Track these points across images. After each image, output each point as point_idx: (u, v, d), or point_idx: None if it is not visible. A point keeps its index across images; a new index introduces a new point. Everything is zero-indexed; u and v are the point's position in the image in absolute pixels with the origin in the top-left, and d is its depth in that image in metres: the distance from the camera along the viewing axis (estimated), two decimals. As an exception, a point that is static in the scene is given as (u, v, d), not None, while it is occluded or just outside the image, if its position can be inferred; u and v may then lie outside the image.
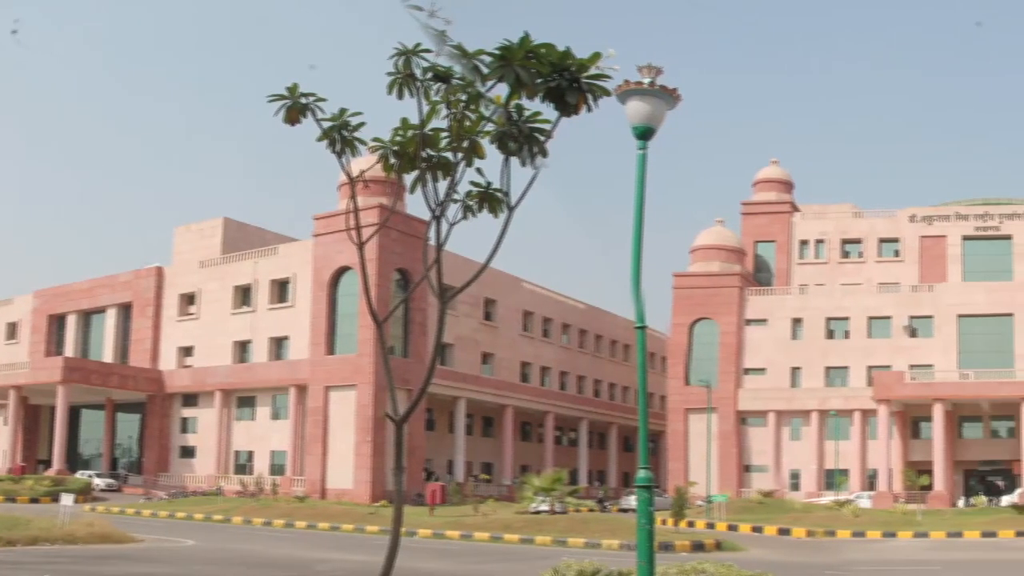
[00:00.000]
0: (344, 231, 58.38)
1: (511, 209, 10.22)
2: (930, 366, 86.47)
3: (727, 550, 40.36)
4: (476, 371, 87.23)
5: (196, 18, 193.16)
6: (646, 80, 13.07)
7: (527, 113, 9.85)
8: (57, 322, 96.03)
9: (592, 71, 9.70)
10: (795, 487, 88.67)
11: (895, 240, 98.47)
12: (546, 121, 9.89)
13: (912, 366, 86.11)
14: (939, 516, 61.30)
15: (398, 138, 10.14)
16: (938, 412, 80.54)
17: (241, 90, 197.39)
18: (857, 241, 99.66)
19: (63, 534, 34.32)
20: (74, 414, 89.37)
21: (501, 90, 9.71)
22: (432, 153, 10.17)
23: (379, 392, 72.98)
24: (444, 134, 10.09)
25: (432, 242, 10.30)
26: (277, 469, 79.18)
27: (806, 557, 39.05)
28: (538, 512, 53.89)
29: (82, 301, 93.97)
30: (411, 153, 10.12)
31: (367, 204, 59.33)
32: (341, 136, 10.45)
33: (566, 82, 9.55)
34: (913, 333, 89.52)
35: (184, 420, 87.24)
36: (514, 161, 9.97)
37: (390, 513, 18.21)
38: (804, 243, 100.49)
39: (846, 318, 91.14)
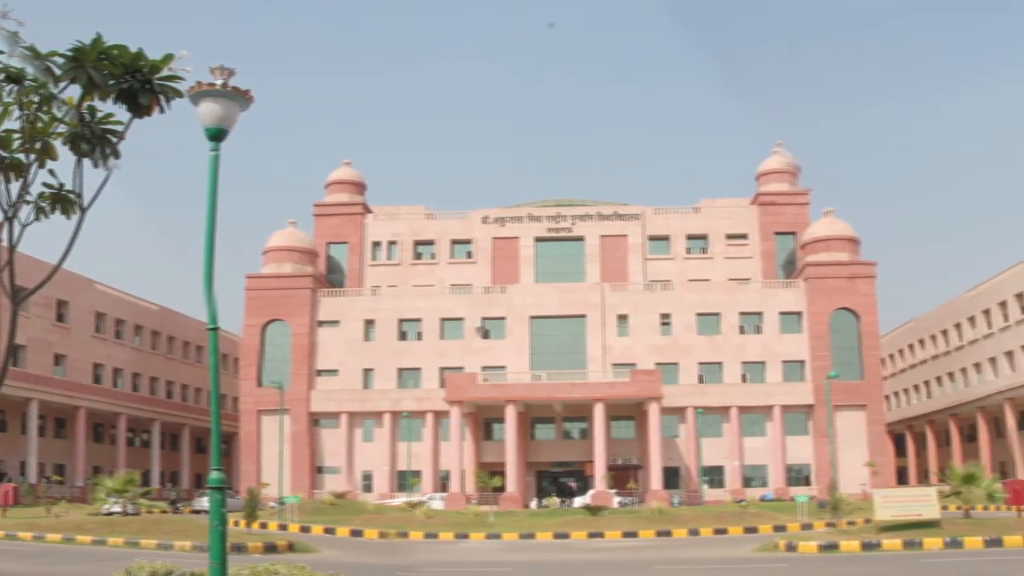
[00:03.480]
0: None
1: (84, 210, 10.36)
2: (503, 367, 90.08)
3: (300, 551, 40.66)
4: (48, 372, 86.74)
5: None
6: (218, 82, 13.12)
7: (100, 114, 10.00)
8: None
9: (165, 72, 9.92)
10: (368, 488, 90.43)
11: (468, 241, 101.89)
12: (119, 122, 10.08)
13: (485, 367, 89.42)
14: (512, 517, 63.22)
15: (-33, 140, 10.08)
16: (510, 413, 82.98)
17: None
18: (430, 243, 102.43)
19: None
20: None
21: (75, 91, 9.82)
22: (4, 154, 10.14)
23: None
24: (16, 135, 10.12)
25: (4, 243, 10.31)
26: None
27: (379, 559, 39.91)
28: (111, 513, 53.86)
29: None
30: (-18, 155, 10.12)
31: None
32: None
33: (138, 83, 9.76)
34: (486, 334, 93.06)
35: None
36: (88, 162, 10.12)
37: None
38: (377, 244, 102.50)
39: (419, 319, 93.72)
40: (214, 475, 13.27)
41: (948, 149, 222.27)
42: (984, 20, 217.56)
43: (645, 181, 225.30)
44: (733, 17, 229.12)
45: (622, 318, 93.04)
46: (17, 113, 10.08)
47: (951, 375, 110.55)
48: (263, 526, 54.51)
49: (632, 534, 52.43)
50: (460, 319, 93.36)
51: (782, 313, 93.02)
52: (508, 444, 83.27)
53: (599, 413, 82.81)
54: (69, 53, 9.51)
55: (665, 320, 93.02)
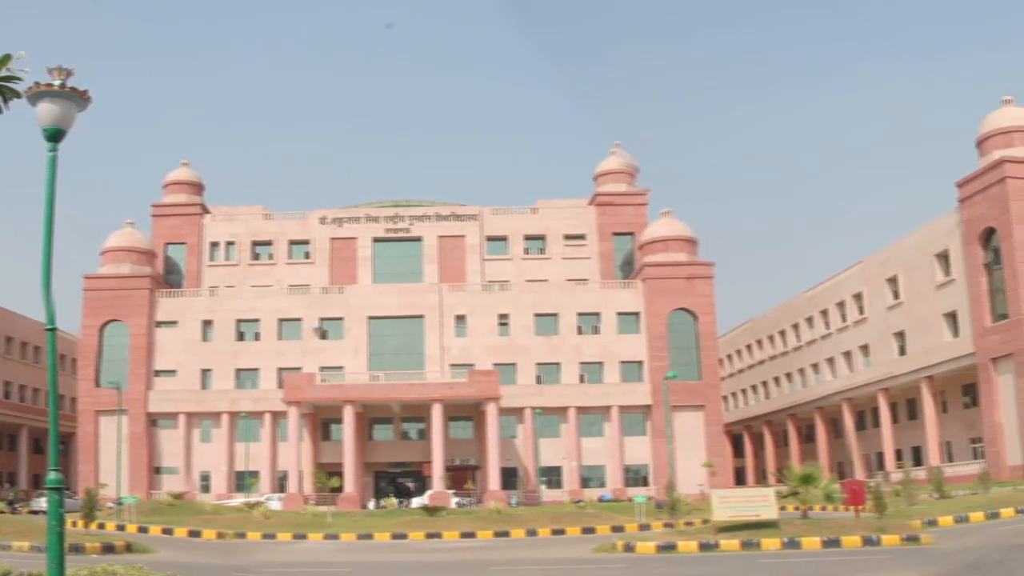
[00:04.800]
0: None
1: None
2: (341, 368, 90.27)
3: (138, 552, 40.65)
4: None
5: None
6: (56, 82, 13.38)
7: (-62, 114, 10.06)
8: None
9: (3, 73, 9.99)
10: (206, 489, 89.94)
11: (306, 242, 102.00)
12: (-43, 122, 10.15)
13: (323, 368, 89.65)
14: (350, 518, 63.48)
15: None
16: (348, 414, 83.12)
17: None
18: (268, 243, 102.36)
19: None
20: None
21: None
22: None
23: None
24: None
25: None
26: None
27: (217, 559, 40.02)
28: (-54, 515, 52.92)
29: None
30: None
31: None
32: None
33: (-24, 84, 9.83)
34: (324, 335, 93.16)
35: None
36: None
37: None
38: (215, 245, 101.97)
39: (257, 320, 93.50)
40: (52, 476, 13.37)
41: (788, 150, 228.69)
42: (822, 25, 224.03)
43: (484, 182, 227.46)
44: (571, 17, 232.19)
45: (460, 319, 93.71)
46: None
47: (789, 376, 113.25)
48: (101, 527, 54.32)
49: (470, 535, 53.06)
50: (298, 320, 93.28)
51: (620, 313, 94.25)
52: (346, 445, 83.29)
53: (437, 414, 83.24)
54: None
55: (503, 321, 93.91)
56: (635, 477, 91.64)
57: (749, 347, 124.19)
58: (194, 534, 53.70)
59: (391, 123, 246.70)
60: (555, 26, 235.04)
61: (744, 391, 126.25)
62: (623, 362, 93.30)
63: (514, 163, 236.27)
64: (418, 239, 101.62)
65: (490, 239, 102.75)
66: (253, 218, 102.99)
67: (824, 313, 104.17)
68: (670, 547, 38.56)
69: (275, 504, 76.99)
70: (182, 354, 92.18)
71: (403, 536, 52.70)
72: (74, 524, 49.14)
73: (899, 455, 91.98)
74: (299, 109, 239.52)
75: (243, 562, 38.79)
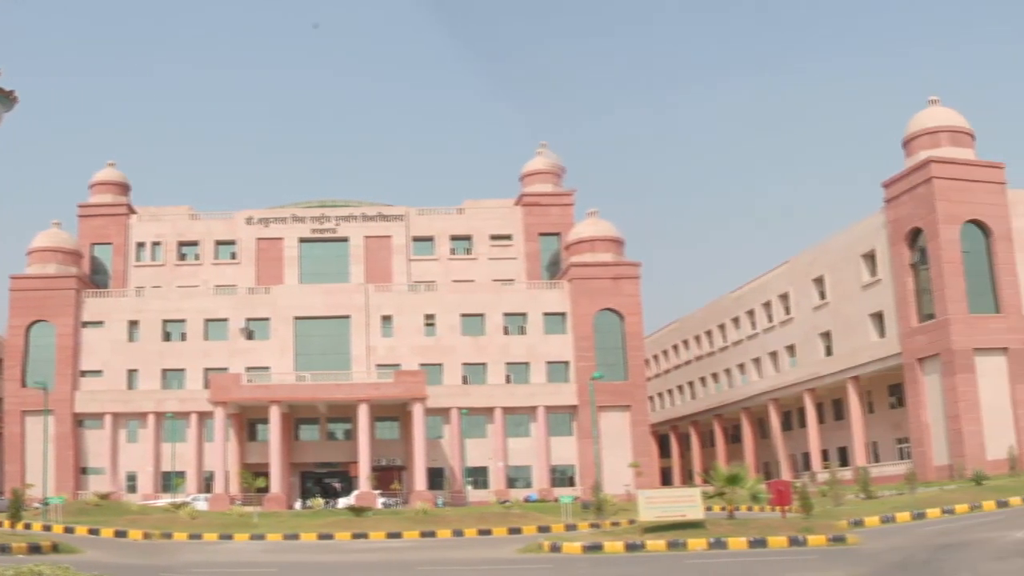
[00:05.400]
0: None
1: None
2: (267, 368, 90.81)
3: (64, 552, 41.06)
4: None
5: None
6: None
7: None
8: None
9: None
10: (132, 489, 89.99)
11: (232, 242, 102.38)
12: None
13: (249, 368, 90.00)
14: (276, 518, 64.01)
15: None
16: (275, 414, 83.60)
17: None
18: (194, 243, 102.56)
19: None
20: None
21: None
22: None
23: None
24: None
25: None
26: None
27: (143, 559, 40.55)
28: None
29: None
30: None
31: None
32: None
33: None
34: (250, 335, 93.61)
35: None
36: None
37: None
38: (141, 245, 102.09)
39: (183, 320, 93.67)
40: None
41: (715, 149, 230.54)
42: (749, 23, 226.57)
43: (410, 182, 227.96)
44: (496, 17, 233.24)
45: (386, 319, 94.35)
46: None
47: (715, 376, 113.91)
48: (27, 527, 54.47)
49: (396, 535, 53.74)
50: (224, 320, 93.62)
51: (546, 314, 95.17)
52: (272, 445, 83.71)
53: (363, 414, 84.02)
54: None
55: (429, 321, 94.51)
56: (561, 477, 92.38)
57: (676, 347, 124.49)
58: (120, 534, 54.03)
59: (318, 123, 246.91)
60: (480, 26, 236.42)
61: (671, 391, 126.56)
62: (549, 362, 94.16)
63: (441, 163, 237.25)
64: (344, 239, 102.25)
65: (416, 239, 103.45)
66: (179, 218, 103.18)
67: (750, 313, 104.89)
68: (596, 547, 39.02)
69: (201, 504, 77.26)
70: (108, 354, 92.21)
71: (329, 536, 53.31)
72: (0, 524, 49.30)
73: (825, 455, 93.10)
74: (226, 109, 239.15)
75: (169, 562, 39.14)
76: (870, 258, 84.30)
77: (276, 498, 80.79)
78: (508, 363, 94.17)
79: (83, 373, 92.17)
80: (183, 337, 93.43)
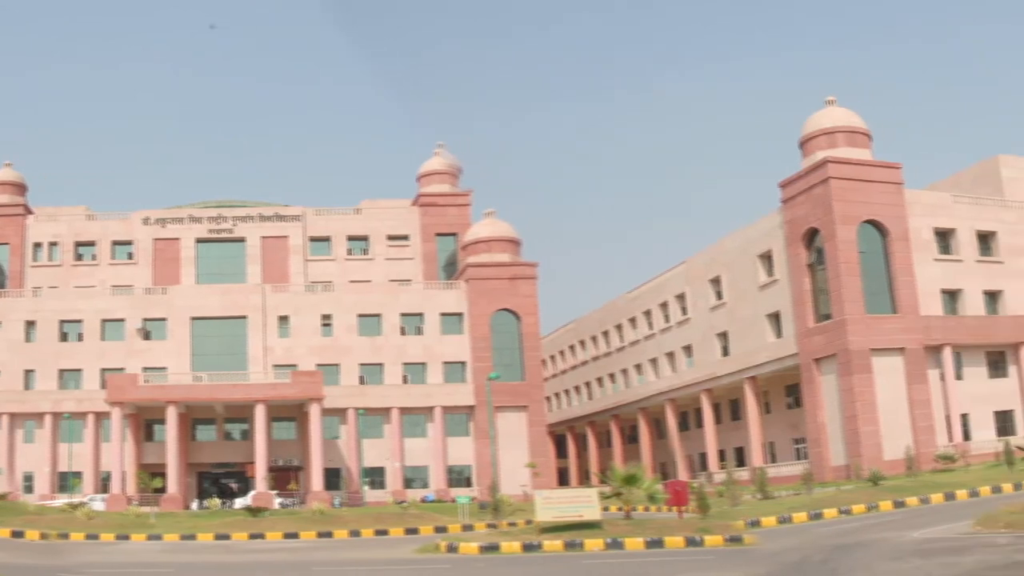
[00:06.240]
0: None
1: None
2: (164, 368, 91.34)
3: (-40, 552, 41.03)
4: None
5: None
6: None
7: None
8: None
9: None
10: (29, 490, 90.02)
11: (129, 243, 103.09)
12: None
13: (146, 368, 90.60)
14: (173, 519, 64.21)
15: None
16: (171, 415, 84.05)
17: None
18: (91, 244, 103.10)
19: None
20: None
21: None
22: None
23: None
24: None
25: None
26: None
27: (40, 560, 40.74)
28: None
29: None
30: None
31: None
32: None
33: None
34: (147, 336, 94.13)
35: None
36: None
37: None
38: (38, 246, 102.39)
39: (80, 320, 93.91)
40: None
41: (614, 150, 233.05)
42: (647, 24, 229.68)
43: (308, 182, 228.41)
44: (393, 18, 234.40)
45: (283, 319, 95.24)
46: None
47: (612, 376, 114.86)
48: (-77, 526, 54.30)
49: (293, 535, 54.33)
50: (121, 320, 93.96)
51: (443, 314, 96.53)
52: (169, 445, 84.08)
53: (260, 414, 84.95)
54: None
55: (326, 321, 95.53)
56: (458, 478, 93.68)
57: (573, 348, 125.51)
58: (17, 535, 53.88)
59: (215, 123, 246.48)
60: (378, 27, 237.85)
61: (568, 392, 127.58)
62: (446, 363, 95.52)
63: (338, 164, 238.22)
64: (241, 240, 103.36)
65: (313, 240, 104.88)
66: (76, 219, 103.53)
67: (647, 314, 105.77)
68: (493, 548, 39.32)
69: (98, 505, 77.96)
70: (5, 354, 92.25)
71: (226, 537, 53.63)
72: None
73: (722, 455, 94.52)
74: (123, 109, 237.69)
75: (66, 563, 39.12)
76: (767, 258, 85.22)
77: (173, 498, 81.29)
78: (405, 363, 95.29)
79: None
80: (80, 337, 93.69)
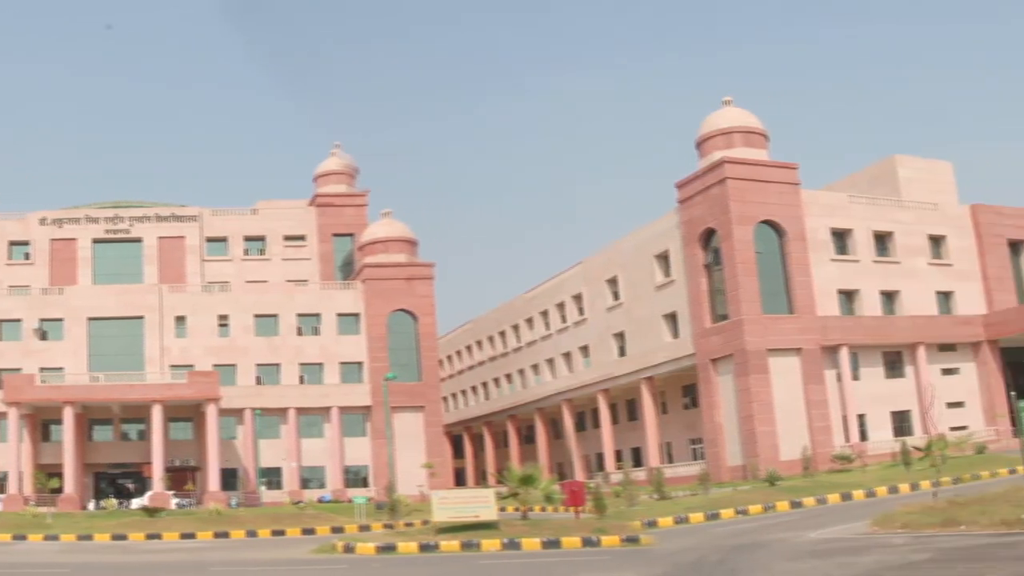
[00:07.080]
0: None
1: None
2: (61, 369, 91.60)
3: None
4: None
5: None
6: None
7: None
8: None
9: None
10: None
11: (26, 243, 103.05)
12: None
13: (43, 369, 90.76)
14: (70, 519, 64.31)
15: None
16: (68, 415, 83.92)
17: None
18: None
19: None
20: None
21: None
22: None
23: None
24: None
25: None
26: None
27: None
28: None
29: None
30: None
31: None
32: None
33: None
34: (44, 336, 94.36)
35: None
36: None
37: None
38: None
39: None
40: None
41: (511, 150, 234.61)
42: (544, 24, 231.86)
43: (205, 183, 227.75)
44: (290, 19, 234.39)
45: (180, 319, 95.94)
46: None
47: (509, 377, 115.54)
48: None
49: (190, 535, 55.22)
50: (18, 320, 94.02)
51: (340, 315, 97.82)
52: (66, 446, 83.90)
53: (157, 415, 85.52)
54: None
55: (223, 322, 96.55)
56: (355, 478, 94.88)
57: (469, 348, 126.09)
58: None
59: (112, 123, 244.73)
60: (273, 27, 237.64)
61: (464, 392, 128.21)
62: (343, 363, 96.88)
63: (235, 164, 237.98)
64: (138, 240, 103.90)
65: (210, 240, 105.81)
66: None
67: (544, 314, 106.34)
68: (390, 548, 39.39)
69: (-4, 505, 77.93)
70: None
71: (123, 537, 54.07)
72: None
73: (619, 456, 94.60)
74: (19, 109, 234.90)
75: None
76: (664, 259, 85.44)
77: (70, 499, 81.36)
78: (302, 364, 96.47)
79: None
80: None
